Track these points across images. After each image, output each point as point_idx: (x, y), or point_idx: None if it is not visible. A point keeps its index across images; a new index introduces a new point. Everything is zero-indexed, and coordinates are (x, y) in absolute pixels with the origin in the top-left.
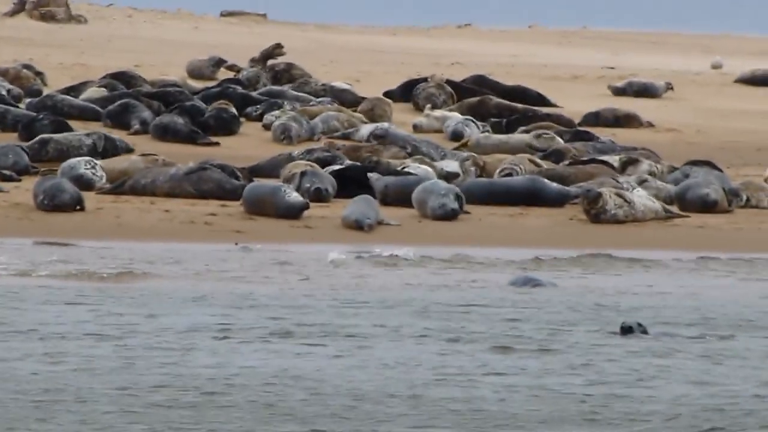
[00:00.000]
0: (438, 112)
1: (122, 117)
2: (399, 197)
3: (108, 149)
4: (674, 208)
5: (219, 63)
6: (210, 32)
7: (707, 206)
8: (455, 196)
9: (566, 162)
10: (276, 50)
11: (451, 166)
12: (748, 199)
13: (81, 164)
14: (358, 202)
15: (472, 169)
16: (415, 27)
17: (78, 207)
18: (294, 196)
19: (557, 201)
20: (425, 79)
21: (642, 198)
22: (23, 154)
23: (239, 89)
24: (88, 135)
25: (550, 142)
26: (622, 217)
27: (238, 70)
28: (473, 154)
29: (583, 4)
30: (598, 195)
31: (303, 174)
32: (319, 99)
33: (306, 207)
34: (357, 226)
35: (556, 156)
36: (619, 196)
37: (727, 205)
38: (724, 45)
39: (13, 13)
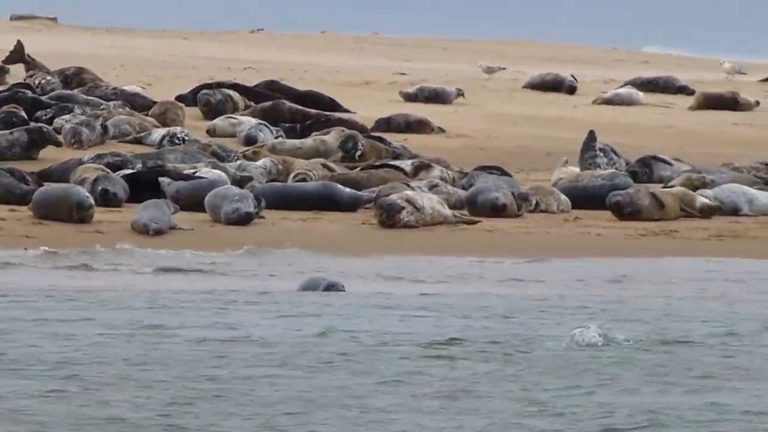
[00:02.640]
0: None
1: None
2: (191, 202)
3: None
4: (465, 213)
5: (1, 71)
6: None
7: (496, 210)
8: (251, 200)
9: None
10: (20, 53)
11: (249, 170)
12: (537, 204)
13: None
14: (148, 206)
15: (277, 168)
16: (207, 31)
17: None
18: (83, 192)
19: (350, 206)
20: (219, 84)
21: (432, 202)
22: None
23: (29, 93)
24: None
25: None
26: (414, 223)
27: (31, 74)
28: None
29: (374, 11)
30: (401, 209)
31: (96, 179)
32: (110, 103)
33: (90, 206)
34: (145, 230)
35: None
36: (410, 202)
37: (516, 210)
38: (514, 51)
39: None
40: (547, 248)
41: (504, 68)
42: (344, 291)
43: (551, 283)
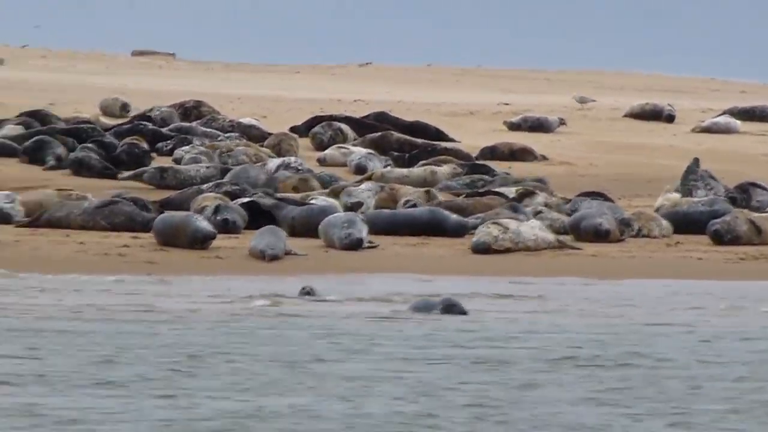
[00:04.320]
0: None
1: (38, 153)
2: (306, 228)
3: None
4: (568, 239)
5: (125, 107)
6: (121, 71)
7: (600, 235)
8: (360, 225)
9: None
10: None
11: (358, 196)
12: (639, 229)
13: (0, 199)
14: (264, 233)
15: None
16: (318, 66)
17: None
18: (204, 223)
19: (457, 231)
20: (330, 116)
21: (535, 228)
22: None
23: (150, 125)
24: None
25: None
26: (510, 244)
27: (151, 107)
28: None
29: (477, 45)
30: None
31: (216, 208)
32: (227, 134)
33: (213, 236)
34: (261, 256)
35: None
36: (504, 227)
37: (619, 235)
38: (613, 81)
39: None
40: (651, 272)
41: (594, 100)
42: (466, 314)
43: None
